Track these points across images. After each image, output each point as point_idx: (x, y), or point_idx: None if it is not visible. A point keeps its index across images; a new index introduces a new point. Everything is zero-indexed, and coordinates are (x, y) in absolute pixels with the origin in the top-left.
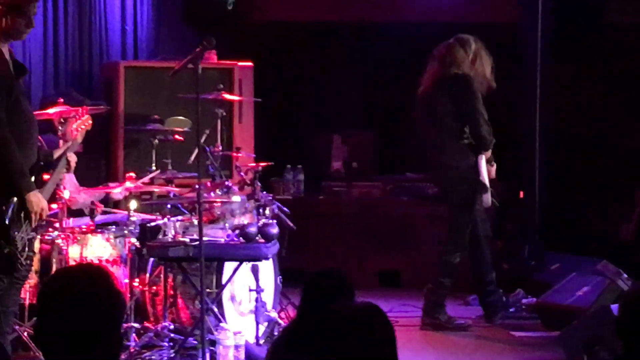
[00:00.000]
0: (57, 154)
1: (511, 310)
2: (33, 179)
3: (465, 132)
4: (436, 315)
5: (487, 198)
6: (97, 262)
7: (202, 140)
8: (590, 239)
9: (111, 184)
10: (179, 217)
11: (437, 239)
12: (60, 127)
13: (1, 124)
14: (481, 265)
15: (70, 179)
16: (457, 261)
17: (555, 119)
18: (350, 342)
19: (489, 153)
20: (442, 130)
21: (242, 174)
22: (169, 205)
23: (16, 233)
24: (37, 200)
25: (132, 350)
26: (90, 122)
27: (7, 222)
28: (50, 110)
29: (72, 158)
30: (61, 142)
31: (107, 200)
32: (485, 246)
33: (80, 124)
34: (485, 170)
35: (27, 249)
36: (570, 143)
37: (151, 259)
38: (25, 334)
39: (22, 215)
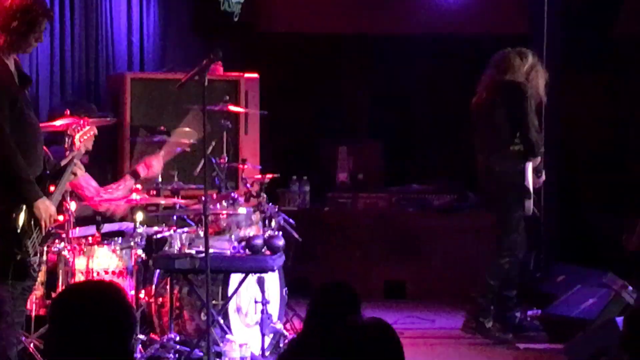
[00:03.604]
0: (62, 163)
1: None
2: (41, 188)
3: (517, 139)
4: (481, 319)
5: (529, 205)
6: (103, 273)
7: (208, 151)
8: (596, 251)
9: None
10: (185, 229)
11: (441, 250)
12: (66, 139)
13: (5, 136)
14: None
15: (87, 180)
16: (506, 266)
17: (561, 130)
18: (359, 357)
19: (538, 160)
20: (495, 135)
21: (248, 185)
22: (175, 217)
23: (27, 240)
24: (45, 207)
25: None
26: (94, 132)
27: (18, 230)
28: (57, 122)
29: (79, 167)
30: (67, 153)
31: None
32: (514, 260)
33: (82, 134)
34: (531, 177)
35: (38, 256)
36: (577, 154)
37: (157, 271)
38: (32, 345)
39: (32, 223)
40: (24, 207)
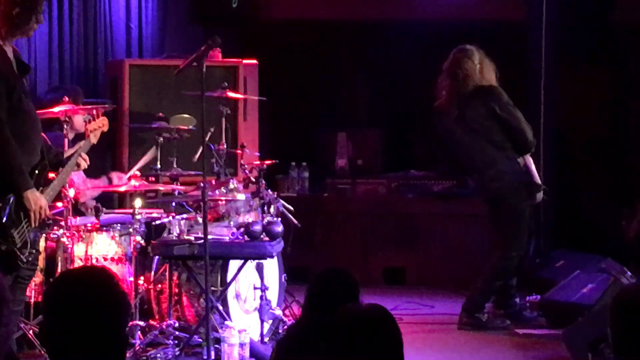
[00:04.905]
0: (67, 153)
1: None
2: (36, 177)
3: (508, 140)
4: (477, 315)
5: (540, 195)
6: (102, 260)
7: (207, 138)
8: (596, 237)
9: (115, 174)
10: (184, 215)
11: (441, 236)
12: (65, 125)
13: (1, 124)
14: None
15: (78, 174)
16: (515, 265)
17: (560, 117)
18: (357, 343)
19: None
20: (488, 144)
21: (246, 171)
22: (173, 203)
23: (13, 230)
24: (35, 197)
25: (137, 348)
26: (106, 122)
27: (4, 220)
28: (56, 109)
29: (84, 158)
30: (66, 139)
31: (111, 198)
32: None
33: (94, 124)
34: (535, 169)
35: (28, 247)
36: (575, 142)
37: (156, 257)
38: (31, 332)
39: (21, 213)
40: (12, 197)
